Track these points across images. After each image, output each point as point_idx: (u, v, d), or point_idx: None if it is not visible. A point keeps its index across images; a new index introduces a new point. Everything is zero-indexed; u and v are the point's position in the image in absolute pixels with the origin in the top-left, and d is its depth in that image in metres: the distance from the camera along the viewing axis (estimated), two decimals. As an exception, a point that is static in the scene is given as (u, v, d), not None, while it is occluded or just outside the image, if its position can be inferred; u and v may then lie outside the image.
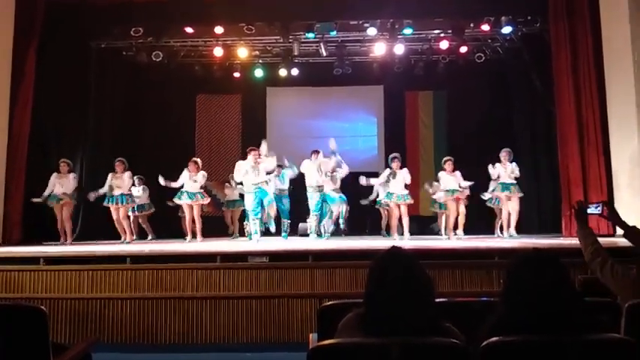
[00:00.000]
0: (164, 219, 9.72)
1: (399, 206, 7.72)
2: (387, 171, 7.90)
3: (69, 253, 5.25)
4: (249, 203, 7.68)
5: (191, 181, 8.03)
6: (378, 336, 1.62)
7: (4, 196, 7.65)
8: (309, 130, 11.72)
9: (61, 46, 8.71)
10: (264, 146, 7.87)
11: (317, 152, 8.27)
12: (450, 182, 7.81)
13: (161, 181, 8.26)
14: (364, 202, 9.38)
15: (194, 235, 8.11)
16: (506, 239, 7.40)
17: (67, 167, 7.76)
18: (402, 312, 1.66)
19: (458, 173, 7.88)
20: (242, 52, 10.36)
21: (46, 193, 7.55)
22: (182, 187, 8.14)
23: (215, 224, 9.68)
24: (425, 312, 1.69)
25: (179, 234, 9.06)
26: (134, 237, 8.37)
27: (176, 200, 8.27)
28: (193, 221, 8.14)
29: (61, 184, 7.58)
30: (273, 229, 8.15)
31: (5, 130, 7.75)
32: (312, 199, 8.08)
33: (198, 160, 8.44)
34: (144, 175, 9.11)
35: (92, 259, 4.93)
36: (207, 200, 8.33)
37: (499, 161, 7.73)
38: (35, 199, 7.56)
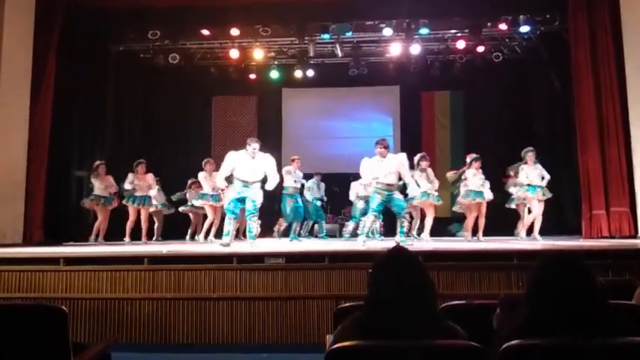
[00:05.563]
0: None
1: (433, 206, 7.69)
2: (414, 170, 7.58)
3: (88, 254, 5.31)
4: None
5: (208, 182, 8.09)
6: (380, 338, 1.59)
7: (25, 198, 7.78)
8: (325, 131, 11.73)
9: (79, 49, 8.85)
10: None
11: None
12: (475, 182, 7.58)
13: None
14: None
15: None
16: (525, 241, 7.27)
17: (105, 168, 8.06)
18: (405, 312, 1.64)
19: (480, 172, 7.68)
20: (258, 54, 10.41)
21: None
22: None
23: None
24: (427, 311, 1.69)
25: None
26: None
27: (197, 202, 8.43)
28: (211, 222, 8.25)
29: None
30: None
31: (26, 131, 7.88)
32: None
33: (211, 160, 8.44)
34: (160, 177, 9.18)
35: (111, 260, 4.98)
36: (221, 202, 8.23)
37: (519, 161, 7.47)
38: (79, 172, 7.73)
